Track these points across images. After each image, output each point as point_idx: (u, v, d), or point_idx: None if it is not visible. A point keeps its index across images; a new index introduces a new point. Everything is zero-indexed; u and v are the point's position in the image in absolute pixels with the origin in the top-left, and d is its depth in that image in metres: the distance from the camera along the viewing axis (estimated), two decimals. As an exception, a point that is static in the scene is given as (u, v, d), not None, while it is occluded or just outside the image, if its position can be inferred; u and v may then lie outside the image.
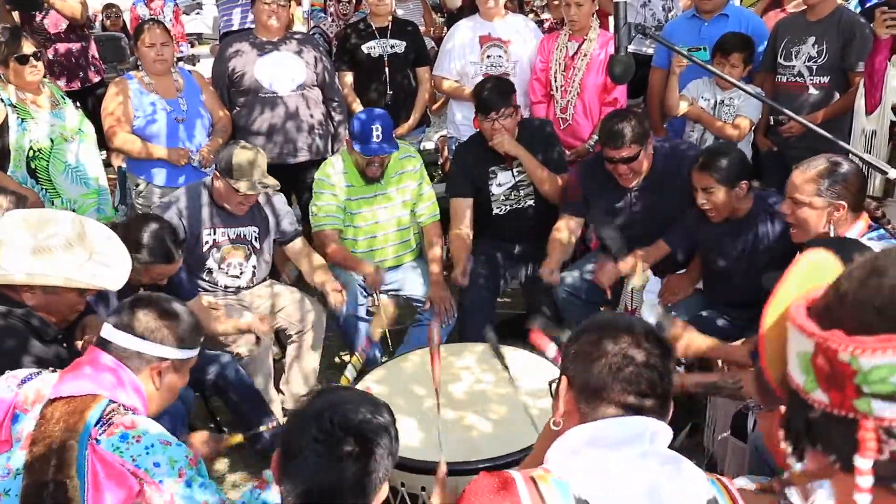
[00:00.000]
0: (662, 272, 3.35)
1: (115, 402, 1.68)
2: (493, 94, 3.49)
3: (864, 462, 0.65)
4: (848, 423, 0.66)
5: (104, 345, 1.76)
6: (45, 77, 3.64)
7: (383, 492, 1.45)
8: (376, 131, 3.32)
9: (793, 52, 3.70)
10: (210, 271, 3.29)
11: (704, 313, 3.15)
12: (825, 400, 0.68)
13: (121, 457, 1.60)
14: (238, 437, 2.40)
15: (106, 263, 2.20)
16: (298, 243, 3.46)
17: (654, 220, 3.31)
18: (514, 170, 3.62)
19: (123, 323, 1.76)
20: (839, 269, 0.74)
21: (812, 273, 0.75)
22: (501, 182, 3.65)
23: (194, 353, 1.86)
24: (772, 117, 3.85)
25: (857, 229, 2.45)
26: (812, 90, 3.66)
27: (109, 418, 1.65)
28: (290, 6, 4.17)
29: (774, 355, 0.75)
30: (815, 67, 3.63)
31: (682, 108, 3.83)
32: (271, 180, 3.20)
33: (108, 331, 1.76)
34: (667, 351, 1.28)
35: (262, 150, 3.26)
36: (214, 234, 3.26)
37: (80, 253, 2.14)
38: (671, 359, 1.29)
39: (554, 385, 1.36)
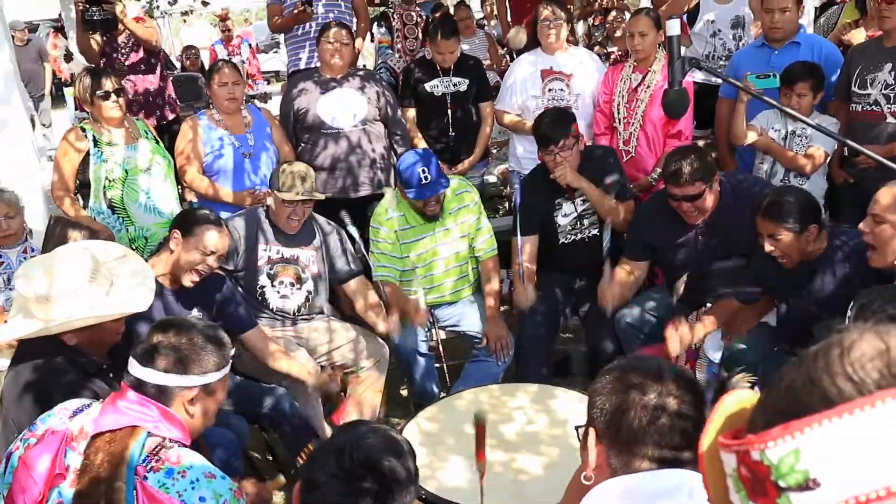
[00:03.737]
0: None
1: (156, 435, 1.69)
2: (551, 126, 3.44)
3: None
4: None
5: (132, 381, 1.76)
6: (127, 114, 3.82)
7: None
8: (423, 173, 3.28)
9: (868, 79, 3.52)
10: (263, 290, 3.32)
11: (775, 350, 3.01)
12: None
13: (167, 493, 1.61)
14: (281, 480, 2.39)
15: (130, 285, 2.22)
16: (353, 283, 3.47)
17: (720, 259, 3.19)
18: (578, 200, 3.57)
19: (145, 358, 1.76)
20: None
21: (733, 408, 0.78)
22: (567, 213, 3.60)
23: (222, 373, 1.83)
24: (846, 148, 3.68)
25: None
26: (890, 119, 3.47)
27: (156, 453, 1.67)
28: (353, 44, 4.25)
29: (719, 496, 0.76)
30: (892, 95, 3.46)
31: (751, 137, 3.68)
32: (319, 195, 3.29)
33: (134, 367, 1.76)
34: (699, 396, 1.20)
35: (309, 167, 3.34)
36: (269, 250, 3.31)
37: (101, 283, 2.16)
38: (704, 405, 1.20)
39: (581, 430, 1.30)
